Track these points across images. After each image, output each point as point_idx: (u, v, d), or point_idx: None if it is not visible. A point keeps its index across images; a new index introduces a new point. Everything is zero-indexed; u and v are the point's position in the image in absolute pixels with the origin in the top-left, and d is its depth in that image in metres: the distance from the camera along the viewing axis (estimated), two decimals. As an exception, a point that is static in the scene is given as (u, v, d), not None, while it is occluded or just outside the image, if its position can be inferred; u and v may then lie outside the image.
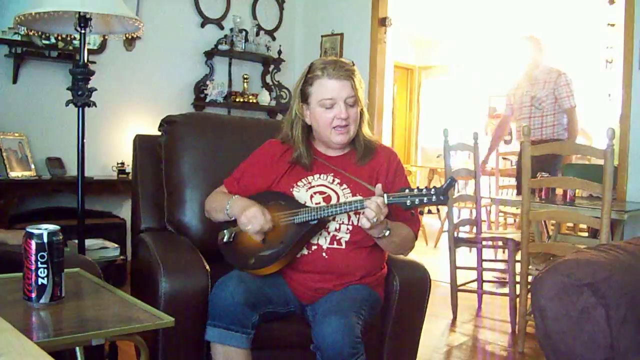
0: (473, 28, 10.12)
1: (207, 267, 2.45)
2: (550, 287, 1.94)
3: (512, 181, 7.26)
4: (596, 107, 9.04)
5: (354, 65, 2.53)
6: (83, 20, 3.10)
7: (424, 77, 11.95)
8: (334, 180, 2.52)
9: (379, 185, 2.26)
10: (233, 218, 2.47)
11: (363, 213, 2.21)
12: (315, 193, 2.48)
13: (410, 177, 7.78)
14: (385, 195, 2.22)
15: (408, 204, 2.21)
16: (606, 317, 1.86)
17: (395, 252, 2.58)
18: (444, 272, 4.83)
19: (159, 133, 3.08)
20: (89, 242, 4.16)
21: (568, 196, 4.09)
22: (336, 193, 2.48)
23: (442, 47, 11.29)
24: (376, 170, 2.55)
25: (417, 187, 2.23)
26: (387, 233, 2.31)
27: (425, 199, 2.19)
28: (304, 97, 2.52)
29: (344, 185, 2.50)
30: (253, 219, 2.34)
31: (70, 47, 5.12)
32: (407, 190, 2.23)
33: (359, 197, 2.37)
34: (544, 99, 5.67)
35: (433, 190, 2.20)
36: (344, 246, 2.41)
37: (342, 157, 2.59)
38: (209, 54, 6.24)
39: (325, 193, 2.48)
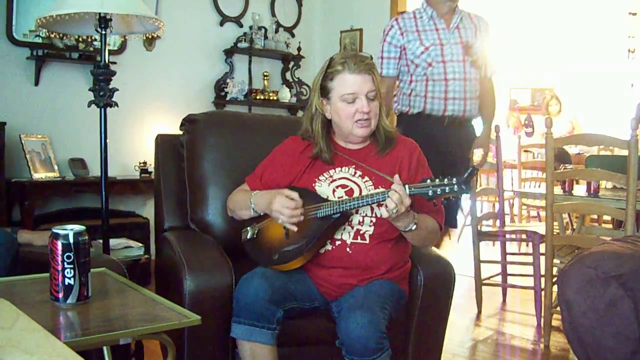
0: (492, 19, 10.05)
1: (231, 264, 2.46)
2: (577, 280, 1.92)
3: (535, 174, 7.22)
4: (619, 96, 8.97)
5: (372, 59, 2.53)
6: (103, 21, 3.12)
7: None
8: (355, 173, 2.52)
9: (397, 176, 2.25)
10: (261, 213, 2.49)
11: (385, 204, 2.21)
12: (337, 187, 2.49)
13: (432, 172, 7.75)
14: (406, 186, 2.21)
15: (430, 194, 2.20)
16: (634, 310, 1.84)
17: (421, 244, 2.57)
18: (468, 266, 4.80)
19: (181, 132, 3.09)
20: (113, 242, 4.18)
21: (592, 188, 4.06)
22: (358, 186, 2.48)
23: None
24: (398, 161, 2.55)
25: (439, 177, 2.22)
26: (414, 227, 2.31)
27: (447, 188, 2.18)
28: (325, 92, 2.52)
29: (366, 178, 2.50)
30: (283, 209, 2.34)
31: (91, 48, 5.15)
32: (428, 181, 2.22)
33: (382, 189, 2.37)
34: (478, 53, 3.96)
35: (454, 179, 2.19)
36: (367, 241, 2.41)
37: (362, 150, 2.59)
38: (229, 52, 6.26)
39: (347, 186, 2.48)
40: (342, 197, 2.44)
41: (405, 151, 2.58)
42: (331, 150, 2.56)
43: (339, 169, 2.54)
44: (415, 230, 2.32)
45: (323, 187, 2.49)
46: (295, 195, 2.36)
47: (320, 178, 2.52)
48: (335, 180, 2.51)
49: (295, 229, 2.37)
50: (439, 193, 2.19)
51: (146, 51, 5.72)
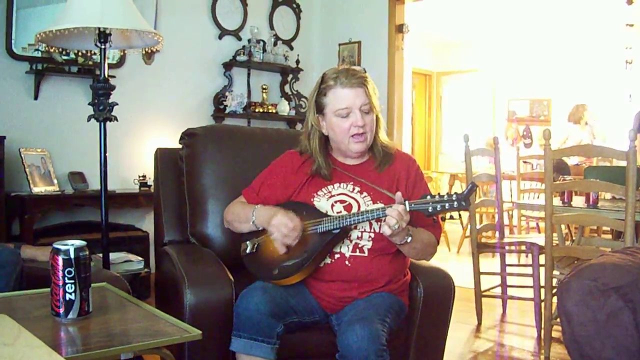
0: (489, 32, 10.10)
1: (231, 278, 2.46)
2: (576, 291, 1.93)
3: (534, 185, 7.22)
4: (616, 107, 8.98)
5: (365, 72, 2.53)
6: (103, 36, 3.13)
7: (442, 83, 11.92)
8: (354, 189, 2.52)
9: (399, 194, 2.26)
10: (260, 228, 2.48)
11: (384, 220, 2.22)
12: (336, 202, 2.49)
13: (430, 184, 7.77)
14: (406, 202, 2.22)
15: (430, 211, 2.21)
16: (634, 321, 1.84)
17: (417, 258, 2.58)
18: (468, 277, 4.80)
19: (180, 146, 3.09)
20: (113, 256, 4.18)
21: (591, 199, 4.06)
22: (357, 201, 2.48)
23: (459, 52, 11.27)
24: (396, 177, 2.55)
25: (439, 194, 2.23)
26: (409, 239, 2.31)
27: (447, 204, 2.20)
28: (319, 108, 2.52)
29: (365, 194, 2.50)
30: (281, 226, 2.35)
31: (90, 63, 5.16)
32: (428, 197, 2.23)
33: (381, 205, 2.37)
34: None
35: (454, 195, 2.20)
36: (366, 254, 2.41)
37: (361, 166, 2.59)
38: (228, 66, 6.27)
39: (345, 202, 2.48)
40: (340, 212, 2.44)
41: (403, 166, 2.58)
42: (330, 166, 2.57)
43: (338, 184, 2.54)
44: (410, 243, 2.33)
45: (322, 203, 2.49)
46: (297, 220, 2.36)
47: (319, 193, 2.52)
48: (333, 195, 2.51)
49: (283, 250, 2.37)
50: (438, 209, 2.20)
51: (145, 65, 5.73)
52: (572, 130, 8.61)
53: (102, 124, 3.26)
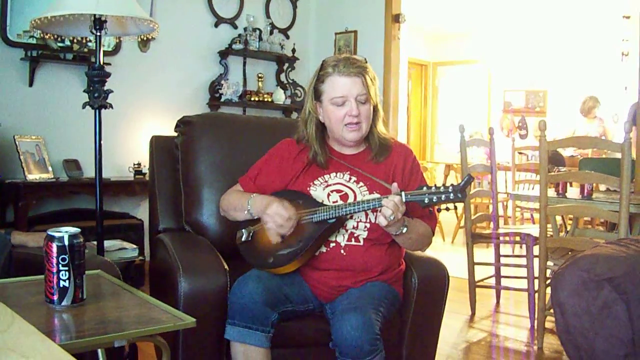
0: (486, 23, 10.09)
1: (226, 266, 2.46)
2: (570, 282, 1.93)
3: (529, 176, 7.23)
4: (612, 99, 8.99)
5: (366, 62, 2.51)
6: (98, 23, 3.12)
7: (437, 73, 11.91)
8: (350, 179, 2.52)
9: (395, 184, 2.26)
10: (256, 217, 2.48)
11: (380, 211, 2.22)
12: (332, 191, 2.48)
13: (425, 174, 7.77)
14: (403, 193, 2.22)
15: (426, 202, 2.21)
16: (627, 312, 1.85)
17: (412, 248, 2.58)
18: (462, 268, 4.81)
19: (175, 134, 3.09)
20: (107, 243, 4.17)
21: (586, 190, 4.07)
22: (353, 191, 2.48)
23: (455, 43, 11.25)
24: (392, 167, 2.55)
25: (435, 185, 2.23)
26: (404, 230, 2.31)
27: (443, 196, 2.20)
28: (317, 95, 2.52)
29: (361, 183, 2.50)
30: (276, 216, 2.34)
31: (85, 50, 5.14)
32: (424, 188, 2.23)
33: (377, 195, 2.37)
34: None
35: (450, 187, 2.20)
36: (361, 243, 2.42)
37: (357, 155, 2.58)
38: (223, 54, 6.25)
39: (342, 191, 2.48)
40: (336, 201, 2.44)
41: (400, 157, 2.58)
42: (326, 153, 2.56)
43: (334, 174, 2.54)
44: (406, 233, 2.33)
45: (318, 192, 2.49)
46: (292, 210, 2.36)
47: (315, 182, 2.52)
48: (330, 185, 2.50)
49: (278, 240, 2.37)
50: (434, 200, 2.20)
51: (141, 52, 5.71)
52: (580, 123, 8.60)
53: (97, 111, 3.25)
